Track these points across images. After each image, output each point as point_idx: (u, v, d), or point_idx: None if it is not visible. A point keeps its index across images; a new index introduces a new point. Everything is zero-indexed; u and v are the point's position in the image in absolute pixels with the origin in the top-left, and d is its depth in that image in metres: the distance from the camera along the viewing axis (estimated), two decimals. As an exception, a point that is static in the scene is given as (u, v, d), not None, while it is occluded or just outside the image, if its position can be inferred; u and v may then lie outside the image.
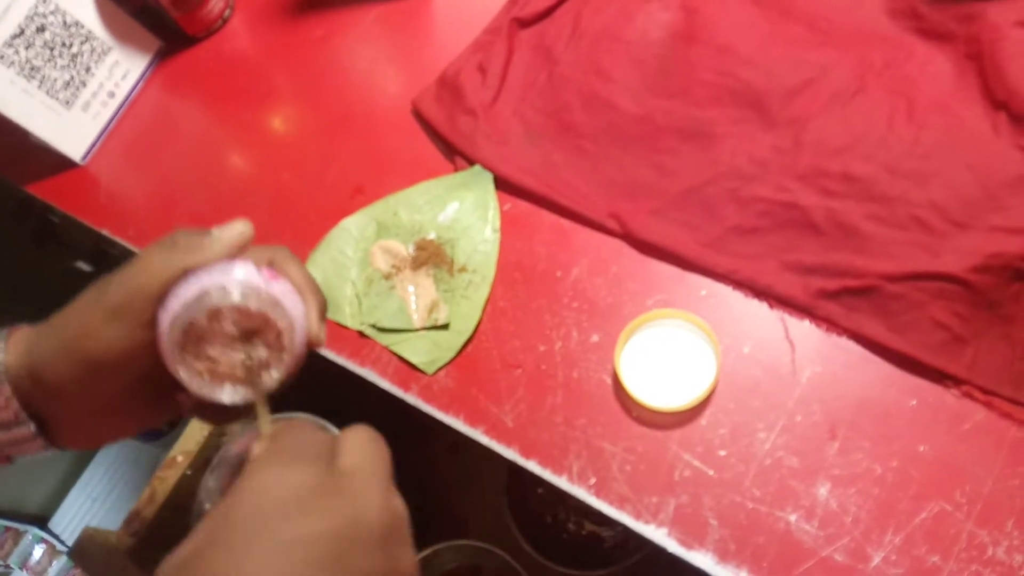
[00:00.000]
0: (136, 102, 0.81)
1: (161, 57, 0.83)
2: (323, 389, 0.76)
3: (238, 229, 0.40)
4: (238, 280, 0.38)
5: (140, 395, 0.42)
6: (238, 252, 0.40)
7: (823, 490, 0.51)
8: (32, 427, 0.42)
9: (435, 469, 0.80)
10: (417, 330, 0.60)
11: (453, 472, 0.81)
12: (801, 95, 0.60)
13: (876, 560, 0.49)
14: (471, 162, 0.65)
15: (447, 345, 0.59)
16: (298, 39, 0.80)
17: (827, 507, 0.51)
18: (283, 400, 0.74)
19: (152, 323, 0.38)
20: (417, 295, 0.61)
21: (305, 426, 0.37)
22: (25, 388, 0.41)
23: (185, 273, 0.38)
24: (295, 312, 0.40)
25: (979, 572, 0.48)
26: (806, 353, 0.55)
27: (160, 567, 0.31)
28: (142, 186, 0.75)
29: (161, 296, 0.38)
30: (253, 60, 0.81)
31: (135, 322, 0.38)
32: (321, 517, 0.31)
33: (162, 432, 1.15)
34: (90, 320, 0.39)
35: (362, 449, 0.35)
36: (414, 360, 0.59)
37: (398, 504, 0.35)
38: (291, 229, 0.68)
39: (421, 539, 0.77)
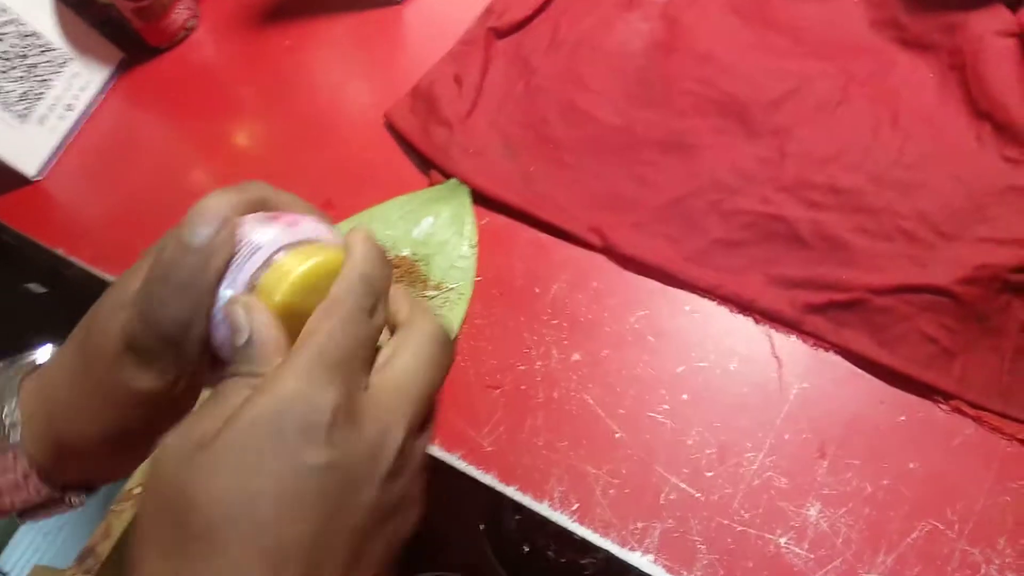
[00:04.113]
0: (96, 115, 0.78)
1: (123, 69, 0.80)
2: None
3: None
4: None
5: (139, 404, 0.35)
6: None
7: (813, 511, 0.50)
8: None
9: (410, 494, 0.77)
10: (391, 350, 0.58)
11: (429, 498, 0.78)
12: (784, 105, 0.59)
13: (869, 583, 0.48)
14: (447, 175, 0.63)
15: (423, 365, 0.57)
16: (265, 50, 0.78)
17: (818, 528, 0.49)
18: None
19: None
20: (391, 313, 0.59)
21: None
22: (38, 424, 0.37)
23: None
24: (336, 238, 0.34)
25: (974, 592, 0.47)
26: (793, 369, 0.54)
27: (169, 441, 0.29)
28: (100, 203, 0.72)
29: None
30: (218, 72, 0.78)
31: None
32: (334, 448, 0.28)
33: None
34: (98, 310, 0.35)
35: (415, 362, 0.32)
36: (388, 381, 0.57)
37: (423, 444, 0.33)
38: (259, 246, 0.65)
39: (398, 567, 0.74)
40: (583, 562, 0.72)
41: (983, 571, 0.47)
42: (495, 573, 0.66)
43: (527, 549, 0.73)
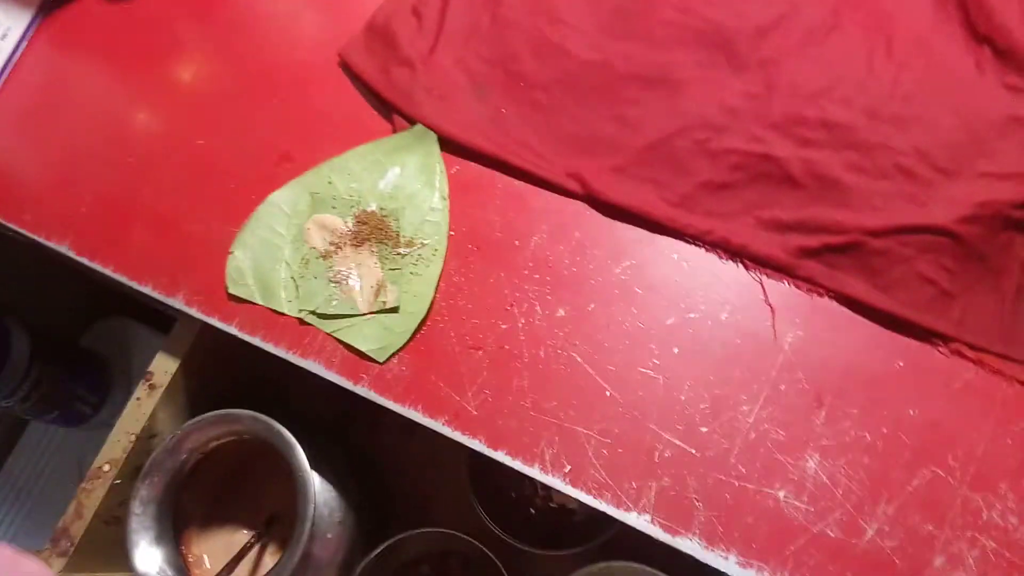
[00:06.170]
0: (21, 64, 0.71)
1: (46, 11, 0.73)
2: (262, 380, 0.70)
3: None
4: None
5: None
6: None
7: (812, 462, 0.48)
8: None
9: (391, 453, 0.75)
10: (364, 314, 0.54)
11: (411, 454, 0.76)
12: (771, 34, 0.55)
13: (870, 532, 0.47)
14: (411, 121, 0.59)
15: (399, 329, 0.54)
16: (205, -16, 0.71)
17: (817, 480, 0.48)
18: (221, 397, 0.67)
19: None
20: (360, 275, 0.55)
21: None
22: None
23: None
24: None
25: (975, 538, 0.46)
26: (787, 317, 0.51)
27: None
28: (36, 162, 0.66)
29: None
30: (156, 9, 0.71)
31: None
32: None
33: (86, 416, 1.06)
34: None
35: None
36: (363, 348, 0.54)
37: None
38: (211, 204, 0.61)
39: (384, 528, 0.72)
40: (572, 507, 0.71)
41: (985, 516, 0.46)
42: (484, 524, 0.64)
43: (514, 495, 0.72)
